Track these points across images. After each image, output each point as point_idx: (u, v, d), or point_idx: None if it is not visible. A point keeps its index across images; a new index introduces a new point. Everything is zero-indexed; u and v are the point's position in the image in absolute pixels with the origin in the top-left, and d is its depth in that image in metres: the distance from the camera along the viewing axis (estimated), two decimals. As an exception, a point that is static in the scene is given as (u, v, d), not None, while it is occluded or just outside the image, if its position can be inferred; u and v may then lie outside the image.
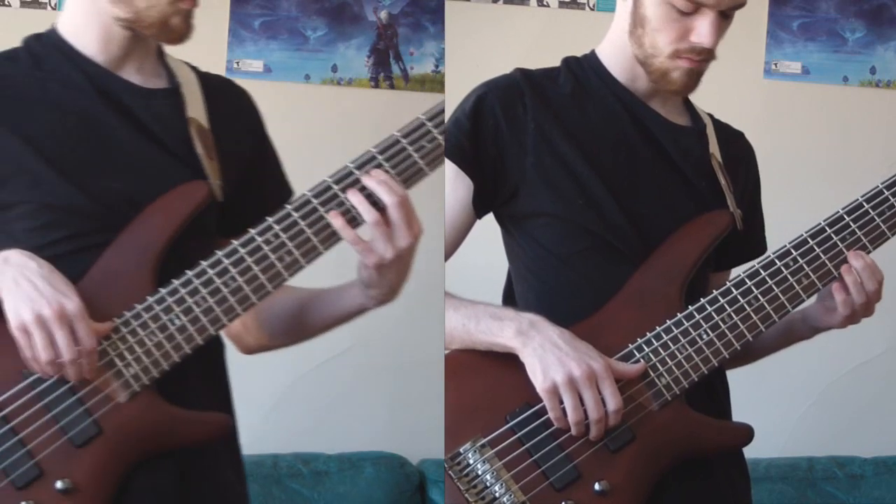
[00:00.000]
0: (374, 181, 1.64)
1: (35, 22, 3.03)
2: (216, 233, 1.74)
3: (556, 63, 1.88)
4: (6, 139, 1.64)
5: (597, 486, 1.66)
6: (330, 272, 1.77)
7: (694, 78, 1.78)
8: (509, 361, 1.69)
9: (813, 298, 1.80)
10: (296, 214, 1.64)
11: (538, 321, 1.69)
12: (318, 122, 3.22)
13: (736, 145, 1.92)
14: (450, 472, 1.66)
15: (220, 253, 1.63)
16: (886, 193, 1.78)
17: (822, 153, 3.35)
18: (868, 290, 1.76)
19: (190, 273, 1.62)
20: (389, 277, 1.67)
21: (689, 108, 1.89)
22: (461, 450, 1.68)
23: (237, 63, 3.20)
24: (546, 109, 1.79)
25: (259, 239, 1.63)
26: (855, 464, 3.23)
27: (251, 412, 3.19)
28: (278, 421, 3.24)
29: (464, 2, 3.26)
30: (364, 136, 3.37)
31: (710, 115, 1.92)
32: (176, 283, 1.61)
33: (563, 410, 1.65)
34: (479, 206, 1.80)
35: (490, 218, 1.86)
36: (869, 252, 1.77)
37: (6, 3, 3.08)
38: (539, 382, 1.65)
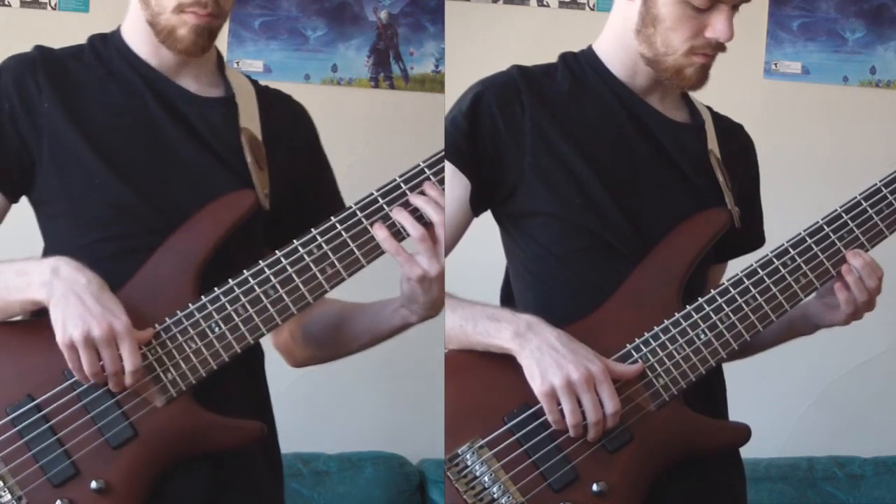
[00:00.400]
0: (422, 199, 1.66)
1: (35, 22, 3.03)
2: (263, 243, 1.75)
3: (556, 63, 1.87)
4: (67, 132, 1.67)
5: (595, 487, 1.66)
6: (374, 287, 1.79)
7: (705, 73, 1.78)
8: (507, 361, 1.70)
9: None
10: (340, 227, 1.66)
11: (536, 323, 1.69)
12: (318, 122, 3.20)
13: (735, 138, 1.92)
14: (448, 473, 1.66)
15: (262, 263, 1.65)
16: (885, 191, 1.78)
17: (822, 153, 3.34)
18: (869, 287, 1.76)
19: (232, 282, 1.64)
20: (433, 293, 1.68)
21: (688, 102, 1.89)
22: (459, 451, 1.68)
23: (237, 63, 3.20)
24: (543, 107, 1.78)
25: (302, 250, 1.65)
26: (855, 464, 3.23)
27: (251, 412, 3.21)
28: (279, 421, 3.23)
29: (464, 2, 3.26)
30: (364, 136, 3.39)
31: (709, 108, 1.91)
32: (217, 291, 1.63)
33: (562, 413, 1.65)
34: (477, 204, 1.80)
35: (489, 217, 1.86)
36: (867, 251, 1.77)
37: (6, 3, 3.08)
38: (537, 386, 1.65)
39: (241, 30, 3.20)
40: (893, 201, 1.78)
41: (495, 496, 1.66)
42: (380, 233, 1.66)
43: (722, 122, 1.91)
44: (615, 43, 1.82)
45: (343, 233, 1.66)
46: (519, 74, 1.81)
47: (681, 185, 1.81)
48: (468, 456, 1.67)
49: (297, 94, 3.24)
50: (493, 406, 1.70)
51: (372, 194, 1.67)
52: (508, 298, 1.86)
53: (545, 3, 3.29)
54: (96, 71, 1.72)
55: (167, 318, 1.62)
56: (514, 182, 1.78)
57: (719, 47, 1.76)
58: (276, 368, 3.17)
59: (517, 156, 1.77)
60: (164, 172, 1.68)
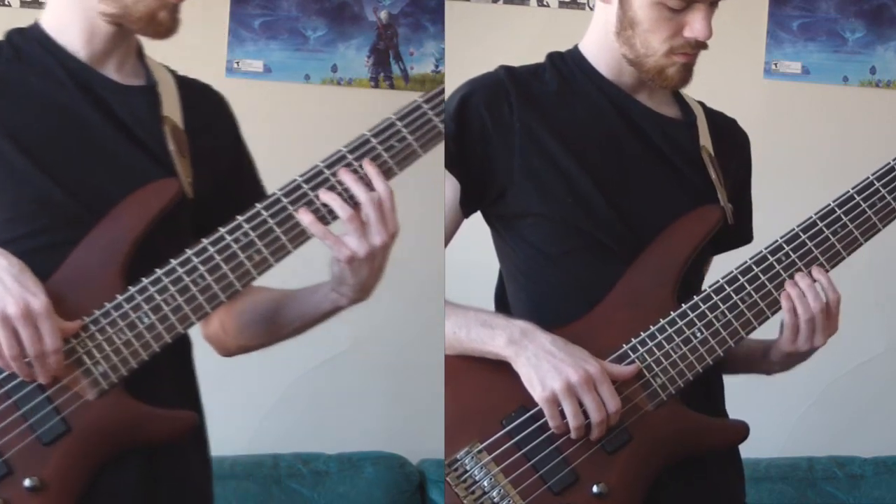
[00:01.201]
0: (351, 177, 1.65)
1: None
2: (189, 232, 1.74)
3: (556, 63, 1.87)
4: None
5: (595, 489, 1.66)
6: (307, 273, 1.78)
7: (688, 71, 1.77)
8: (502, 365, 1.69)
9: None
10: (265, 213, 1.65)
11: (529, 329, 1.69)
12: (318, 122, 3.21)
13: (728, 133, 1.91)
14: (447, 478, 1.66)
15: (189, 251, 1.63)
16: (877, 185, 1.78)
17: (822, 153, 3.34)
18: (813, 308, 1.73)
19: (159, 271, 1.62)
20: (362, 275, 1.66)
21: (679, 98, 1.88)
22: (458, 456, 1.67)
23: (237, 63, 3.20)
24: (532, 108, 1.78)
25: (228, 238, 1.64)
26: (855, 464, 3.23)
27: (251, 412, 3.21)
28: (278, 421, 3.23)
29: (464, 2, 3.26)
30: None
31: (702, 104, 1.91)
32: (145, 281, 1.62)
33: (562, 416, 1.65)
34: (467, 206, 1.80)
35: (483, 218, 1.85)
36: (861, 244, 1.77)
37: (6, 3, 3.08)
38: (537, 393, 1.65)
39: (241, 30, 3.20)
40: (886, 195, 1.78)
41: (495, 500, 1.66)
42: (305, 217, 1.64)
43: (714, 118, 1.90)
44: (599, 44, 1.82)
45: (269, 219, 1.65)
46: (506, 75, 1.80)
47: (673, 182, 1.81)
48: (467, 461, 1.67)
49: (297, 94, 3.26)
50: (491, 410, 1.69)
51: (295, 180, 1.66)
52: (502, 300, 1.86)
53: (545, 3, 3.29)
54: (15, 64, 1.70)
55: (95, 311, 1.60)
56: (503, 183, 1.77)
57: (700, 45, 1.75)
58: (276, 369, 3.18)
59: (506, 156, 1.76)
60: (87, 163, 1.66)
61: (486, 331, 1.70)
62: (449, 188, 1.78)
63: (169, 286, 1.62)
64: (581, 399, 1.64)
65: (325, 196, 1.65)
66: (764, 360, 1.85)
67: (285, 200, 1.65)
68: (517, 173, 1.76)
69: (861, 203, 1.77)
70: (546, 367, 1.65)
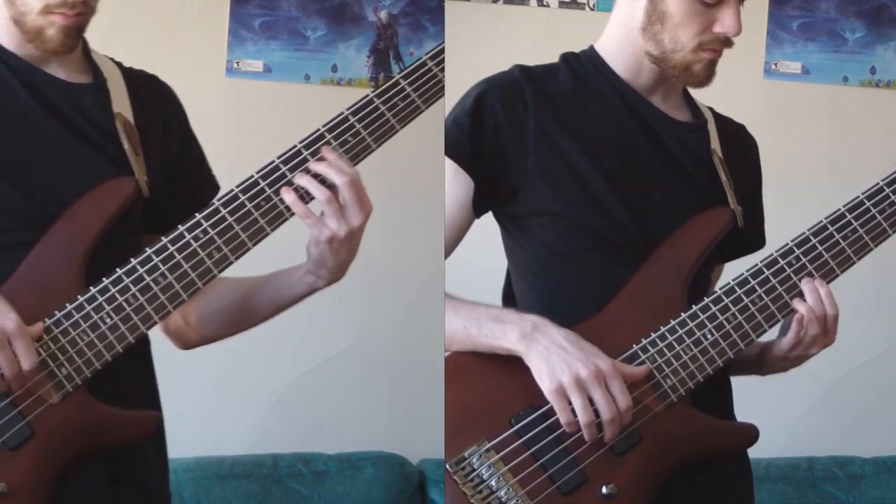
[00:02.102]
0: (322, 165, 1.66)
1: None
2: (142, 229, 1.73)
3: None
4: None
5: (604, 490, 1.65)
6: (270, 263, 1.79)
7: (713, 68, 1.78)
8: (510, 363, 1.68)
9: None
10: (224, 210, 1.65)
11: (542, 323, 1.68)
12: (318, 122, 3.21)
13: (737, 139, 1.92)
14: (454, 476, 1.65)
15: (149, 250, 1.63)
16: (888, 191, 1.78)
17: (822, 153, 3.34)
18: (818, 314, 1.74)
19: (120, 271, 1.62)
20: (341, 255, 1.68)
21: (690, 102, 1.89)
22: (466, 454, 1.66)
23: (237, 63, 3.19)
24: (547, 107, 1.78)
25: (188, 236, 1.64)
26: (855, 464, 3.23)
27: (251, 412, 3.21)
28: (278, 421, 3.23)
29: (464, 2, 3.26)
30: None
31: (711, 109, 1.91)
32: (106, 281, 1.61)
33: (573, 413, 1.64)
34: (479, 205, 1.79)
35: (490, 218, 1.85)
36: (871, 250, 1.77)
37: (6, 3, 3.08)
38: (546, 385, 1.64)
39: (241, 30, 3.20)
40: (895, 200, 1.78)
41: (503, 500, 1.65)
42: (288, 196, 1.65)
43: (724, 123, 1.91)
44: (618, 42, 1.81)
45: (227, 216, 1.65)
46: (522, 74, 1.80)
47: (684, 185, 1.81)
48: (474, 459, 1.66)
49: (297, 94, 3.26)
50: (498, 408, 1.68)
51: (252, 176, 1.66)
52: (510, 300, 1.85)
53: (545, 3, 3.29)
54: None
55: (56, 312, 1.59)
56: (517, 181, 1.77)
57: (727, 42, 1.75)
58: (276, 369, 3.18)
59: (521, 155, 1.76)
60: (39, 164, 1.64)
61: (497, 326, 1.69)
62: (462, 187, 1.77)
63: (130, 286, 1.61)
64: (590, 395, 1.63)
65: (301, 179, 1.65)
66: (758, 362, 1.85)
67: (243, 197, 1.65)
68: (531, 171, 1.76)
69: (871, 208, 1.77)
70: (556, 360, 1.64)
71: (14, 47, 1.68)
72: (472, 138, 1.76)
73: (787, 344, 1.77)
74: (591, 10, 3.28)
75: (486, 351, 1.71)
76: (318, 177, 1.66)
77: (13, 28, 1.66)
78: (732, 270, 1.79)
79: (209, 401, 3.09)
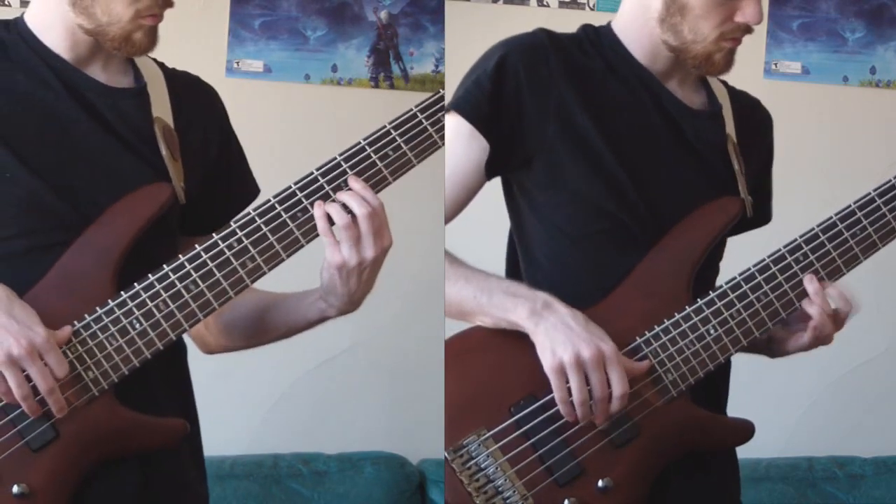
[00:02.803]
0: (346, 194, 1.65)
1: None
2: (179, 233, 1.73)
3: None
4: None
5: (600, 483, 1.66)
6: (297, 281, 1.77)
7: (733, 57, 1.77)
8: (512, 350, 1.69)
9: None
10: (259, 220, 1.64)
11: (552, 302, 1.68)
12: (318, 122, 3.21)
13: (753, 114, 1.91)
14: (452, 464, 1.65)
15: (182, 257, 1.62)
16: None
17: (822, 153, 3.34)
18: (827, 311, 1.74)
19: (152, 277, 1.61)
20: (351, 285, 1.66)
21: (706, 85, 1.87)
22: (464, 442, 1.66)
23: (237, 63, 3.20)
24: (571, 78, 1.76)
25: (222, 244, 1.63)
26: (855, 464, 3.23)
27: (251, 412, 3.21)
28: (278, 421, 3.23)
29: (464, 2, 3.26)
30: (364, 136, 3.37)
31: (725, 84, 1.89)
32: (138, 286, 1.60)
33: (569, 392, 1.64)
34: (492, 168, 1.77)
35: (490, 209, 1.84)
36: (878, 248, 1.78)
37: (6, 3, 3.08)
38: (547, 361, 1.64)
39: (241, 30, 3.20)
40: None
41: (499, 489, 1.65)
42: (317, 210, 1.64)
43: (740, 100, 1.89)
44: (635, 29, 1.79)
45: (263, 226, 1.64)
46: (548, 39, 1.78)
47: (699, 172, 1.80)
48: (473, 447, 1.66)
49: (297, 94, 3.26)
50: (498, 396, 1.68)
51: (290, 187, 1.65)
52: (514, 270, 1.84)
53: (545, 3, 3.29)
54: (2, 61, 1.67)
55: (86, 315, 1.58)
56: (533, 148, 1.75)
57: (747, 30, 1.75)
58: (276, 369, 3.18)
59: (540, 121, 1.74)
60: (76, 166, 1.64)
61: (509, 299, 1.69)
62: (477, 148, 1.75)
63: (161, 292, 1.60)
64: (588, 376, 1.64)
65: (329, 206, 1.64)
66: (772, 345, 1.85)
67: (279, 208, 1.65)
68: (549, 140, 1.74)
69: (882, 206, 1.77)
70: (561, 338, 1.64)
71: (60, 49, 1.67)
72: (492, 101, 1.74)
73: (805, 344, 1.77)
74: (591, 10, 3.28)
75: (491, 323, 1.70)
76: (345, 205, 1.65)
77: (64, 30, 1.66)
78: (740, 265, 1.78)
79: (209, 401, 3.08)
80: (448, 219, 1.80)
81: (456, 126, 1.74)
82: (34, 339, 1.52)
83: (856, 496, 3.17)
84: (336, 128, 3.22)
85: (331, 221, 1.65)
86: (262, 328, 1.81)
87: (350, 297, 1.68)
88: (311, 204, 1.64)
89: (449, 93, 1.78)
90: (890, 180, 1.78)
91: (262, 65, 3.22)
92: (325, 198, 1.65)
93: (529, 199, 1.80)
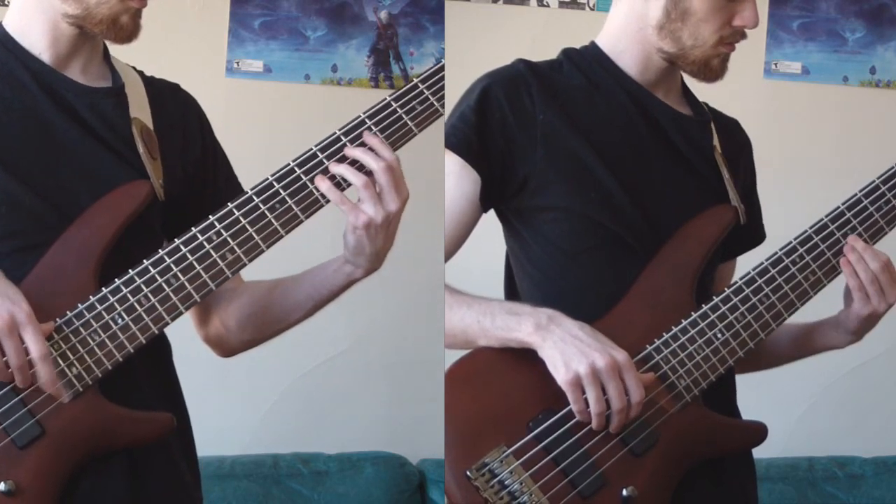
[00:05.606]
0: (359, 150, 1.65)
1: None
2: (162, 233, 1.73)
3: (558, 62, 1.87)
4: None
5: (624, 492, 1.65)
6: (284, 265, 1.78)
7: (727, 63, 1.79)
8: (520, 367, 1.68)
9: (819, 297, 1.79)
10: (237, 212, 1.65)
11: (557, 315, 1.67)
12: (318, 122, 3.20)
13: (733, 135, 1.92)
14: (475, 483, 1.64)
15: (162, 251, 1.63)
16: (883, 188, 1.82)
17: (822, 153, 3.34)
18: (873, 268, 1.75)
19: (132, 272, 1.62)
20: (378, 242, 1.67)
21: (689, 98, 1.88)
22: (486, 459, 1.65)
23: (237, 63, 3.20)
24: (554, 101, 1.77)
25: (201, 237, 1.64)
26: (855, 464, 3.23)
27: (251, 412, 3.21)
28: (278, 421, 3.23)
29: (464, 2, 3.26)
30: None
31: (705, 104, 1.91)
32: (118, 282, 1.61)
33: (586, 403, 1.64)
34: (487, 200, 1.78)
35: (489, 217, 1.85)
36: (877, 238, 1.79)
37: (5, 2, 3.09)
38: (561, 375, 1.63)
39: (241, 30, 3.20)
40: (892, 198, 1.80)
41: None
42: (322, 184, 1.65)
43: (719, 119, 1.91)
44: (626, 39, 1.80)
45: (241, 218, 1.65)
46: (526, 68, 1.79)
47: (691, 181, 1.81)
48: (495, 465, 1.65)
49: (297, 94, 3.26)
50: (514, 413, 1.67)
51: (267, 179, 1.66)
52: (513, 297, 1.85)
53: (545, 3, 3.29)
54: None
55: (68, 312, 1.59)
56: (525, 175, 1.76)
57: (742, 35, 1.76)
58: (276, 369, 3.18)
59: (528, 148, 1.75)
60: (56, 166, 1.65)
61: (512, 318, 1.68)
62: (469, 182, 1.76)
63: (142, 286, 1.61)
64: (605, 386, 1.63)
65: (336, 168, 1.65)
66: (833, 334, 1.86)
67: (256, 199, 1.66)
68: (540, 164, 1.75)
69: (888, 193, 1.79)
70: (572, 350, 1.63)
71: (39, 50, 1.69)
72: (479, 133, 1.75)
73: (858, 304, 1.77)
74: (591, 10, 3.29)
75: (498, 344, 1.70)
76: (355, 163, 1.66)
77: (44, 29, 1.67)
78: (740, 268, 1.79)
79: (209, 401, 3.09)
80: (448, 255, 1.81)
81: (447, 162, 1.76)
82: (15, 313, 1.52)
83: (856, 496, 3.18)
84: (336, 128, 3.22)
85: (342, 187, 1.65)
86: (286, 310, 1.81)
87: (377, 255, 1.69)
88: (311, 179, 1.65)
89: (450, 92, 1.78)
90: (875, 181, 1.80)
91: (261, 65, 3.22)
92: (325, 172, 1.66)
93: (524, 221, 1.80)
